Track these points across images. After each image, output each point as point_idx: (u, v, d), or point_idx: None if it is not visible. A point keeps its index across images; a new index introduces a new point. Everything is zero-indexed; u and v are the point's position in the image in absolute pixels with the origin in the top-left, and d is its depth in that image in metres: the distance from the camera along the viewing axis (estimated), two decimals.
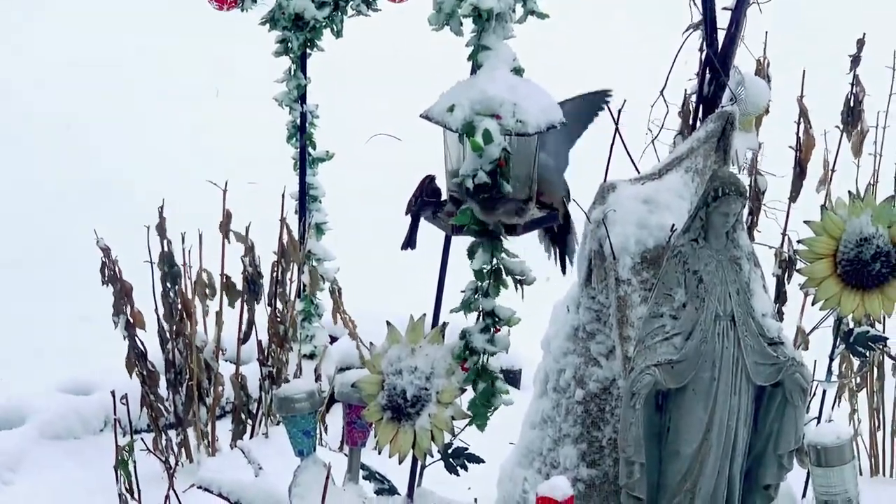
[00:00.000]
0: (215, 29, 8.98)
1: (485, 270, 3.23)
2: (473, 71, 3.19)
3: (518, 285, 3.25)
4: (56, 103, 8.74)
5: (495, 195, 3.11)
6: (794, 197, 4.42)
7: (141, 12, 10.51)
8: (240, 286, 4.54)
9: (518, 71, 3.20)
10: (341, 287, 4.85)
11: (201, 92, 9.18)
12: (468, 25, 3.16)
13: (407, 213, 3.39)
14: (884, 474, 4.68)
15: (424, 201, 3.35)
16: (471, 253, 3.24)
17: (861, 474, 4.38)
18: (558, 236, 3.60)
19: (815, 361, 3.86)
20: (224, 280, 4.49)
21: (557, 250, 3.63)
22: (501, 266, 3.24)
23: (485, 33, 3.16)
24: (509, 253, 3.24)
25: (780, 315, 4.31)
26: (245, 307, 4.60)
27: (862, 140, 4.47)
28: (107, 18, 10.38)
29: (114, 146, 8.26)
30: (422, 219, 3.36)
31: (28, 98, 8.82)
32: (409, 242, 3.41)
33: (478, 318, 3.28)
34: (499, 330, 3.29)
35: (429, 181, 3.36)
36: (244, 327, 4.63)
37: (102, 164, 7.89)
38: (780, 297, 4.37)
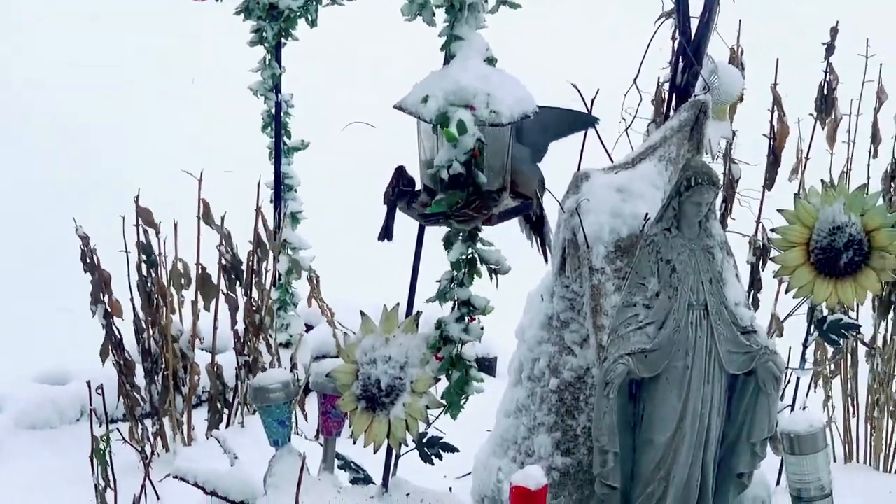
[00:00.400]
0: (214, 28, 8.88)
1: (461, 260, 3.10)
2: (447, 61, 3.06)
3: (493, 274, 3.13)
4: (56, 103, 8.63)
5: (458, 211, 2.98)
6: (767, 185, 4.37)
7: (141, 12, 10.40)
8: (215, 276, 4.40)
9: (491, 61, 3.10)
10: (319, 275, 4.73)
11: (201, 92, 9.06)
12: (440, 16, 3.06)
13: (385, 203, 3.26)
14: (857, 461, 4.58)
15: (401, 191, 3.23)
16: (447, 243, 3.14)
17: (835, 461, 4.29)
18: (537, 225, 3.49)
19: (790, 349, 3.83)
20: (199, 271, 4.35)
21: (538, 239, 3.53)
22: (477, 255, 3.13)
23: (457, 23, 3.07)
24: (485, 242, 3.14)
25: (754, 302, 4.24)
26: (226, 295, 4.46)
27: (835, 128, 4.41)
28: (107, 18, 10.26)
29: (113, 146, 8.15)
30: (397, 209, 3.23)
31: (28, 98, 8.71)
32: (386, 233, 3.30)
33: (453, 308, 3.17)
34: (474, 319, 3.17)
35: (402, 171, 3.23)
36: (229, 315, 4.49)
37: (102, 164, 7.79)
38: (755, 284, 4.32)
